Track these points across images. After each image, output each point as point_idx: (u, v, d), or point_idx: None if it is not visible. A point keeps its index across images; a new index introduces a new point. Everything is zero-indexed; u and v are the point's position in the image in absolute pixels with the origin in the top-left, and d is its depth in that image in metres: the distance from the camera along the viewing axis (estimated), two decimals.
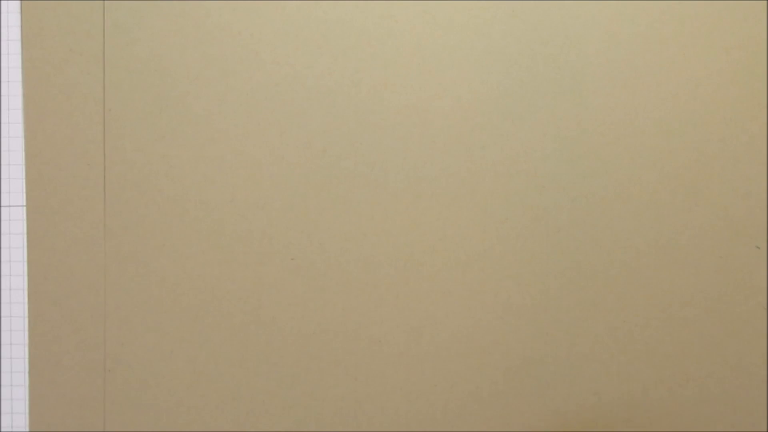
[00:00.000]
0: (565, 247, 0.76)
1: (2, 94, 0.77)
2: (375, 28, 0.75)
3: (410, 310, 0.77)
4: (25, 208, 0.77)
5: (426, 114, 0.75)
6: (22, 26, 0.75)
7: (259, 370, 0.77)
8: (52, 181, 0.76)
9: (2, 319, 0.78)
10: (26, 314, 0.78)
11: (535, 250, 0.76)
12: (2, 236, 0.78)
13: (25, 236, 0.77)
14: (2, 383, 0.79)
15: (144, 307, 0.77)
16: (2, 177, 0.77)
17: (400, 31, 0.75)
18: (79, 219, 0.76)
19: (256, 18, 0.75)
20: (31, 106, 0.75)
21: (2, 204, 0.78)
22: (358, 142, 0.76)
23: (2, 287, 0.78)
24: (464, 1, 0.75)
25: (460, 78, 0.75)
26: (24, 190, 0.77)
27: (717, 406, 0.77)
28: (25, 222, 0.77)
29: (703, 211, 0.76)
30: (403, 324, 0.77)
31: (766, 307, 0.77)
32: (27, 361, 0.78)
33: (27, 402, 0.78)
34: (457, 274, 0.76)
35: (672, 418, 0.77)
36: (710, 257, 0.76)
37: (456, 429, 0.77)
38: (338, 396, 0.77)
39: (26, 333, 0.78)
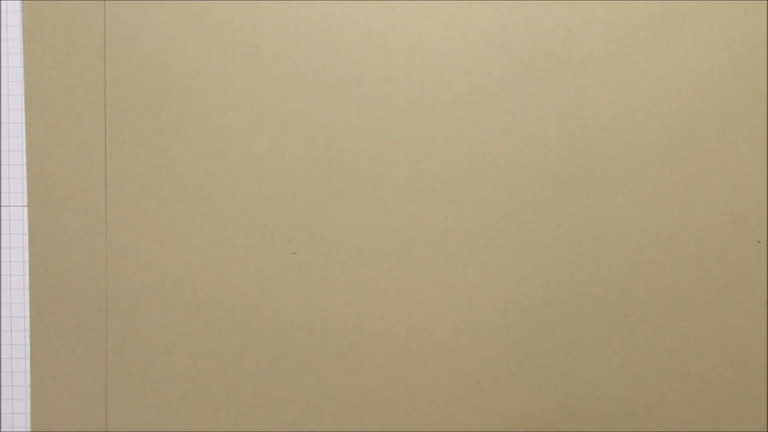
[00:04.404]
0: (566, 242, 0.77)
1: (2, 93, 0.77)
2: (377, 22, 0.75)
3: (412, 304, 0.77)
4: (26, 203, 0.77)
5: (428, 108, 0.76)
6: (23, 20, 0.75)
7: (261, 365, 0.77)
8: (53, 175, 0.76)
9: (2, 319, 0.78)
10: (26, 314, 0.78)
11: (536, 245, 0.77)
12: (2, 236, 0.78)
13: (27, 231, 0.77)
14: (2, 383, 0.78)
15: (145, 302, 0.77)
16: (2, 177, 0.77)
17: (402, 26, 0.75)
18: (80, 213, 0.76)
19: (257, 12, 0.75)
20: (33, 100, 0.76)
21: (2, 204, 0.77)
22: (360, 136, 0.76)
23: (2, 287, 0.78)
24: None
25: (462, 72, 0.76)
26: (24, 190, 0.77)
27: (717, 404, 0.77)
28: (26, 217, 0.77)
29: (704, 205, 0.76)
30: (404, 318, 0.77)
31: (766, 302, 0.77)
32: (27, 360, 0.78)
33: (28, 400, 0.78)
34: (458, 269, 0.76)
35: (672, 414, 0.77)
36: (711, 252, 0.77)
37: (458, 423, 0.77)
38: (340, 390, 0.77)
39: (26, 333, 0.78)
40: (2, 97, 0.77)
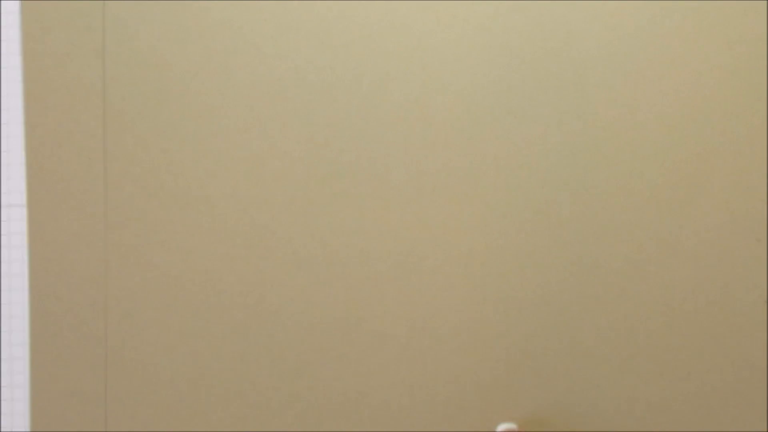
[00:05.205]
0: (566, 241, 0.77)
1: (2, 93, 0.77)
2: (377, 22, 0.75)
3: (412, 303, 0.77)
4: (25, 203, 0.77)
5: (428, 108, 0.76)
6: (22, 21, 0.75)
7: (261, 365, 0.77)
8: (52, 175, 0.76)
9: (2, 318, 0.78)
10: (26, 314, 0.78)
11: (536, 244, 0.77)
12: (2, 236, 0.78)
13: (26, 231, 0.77)
14: (2, 383, 0.78)
15: (145, 302, 0.77)
16: (2, 177, 0.77)
17: (402, 26, 0.75)
18: (80, 214, 0.76)
19: (257, 13, 0.75)
20: (32, 101, 0.75)
21: (2, 204, 0.77)
22: (359, 136, 0.76)
23: (2, 287, 0.78)
24: None
25: (462, 72, 0.76)
26: (23, 190, 0.77)
27: (717, 404, 0.77)
28: (26, 218, 0.77)
29: (704, 204, 0.76)
30: (405, 317, 0.77)
31: (766, 300, 0.77)
32: (28, 360, 0.78)
33: (28, 400, 0.78)
34: (458, 268, 0.76)
35: (672, 414, 0.77)
36: (711, 251, 0.77)
37: (458, 422, 0.77)
38: (340, 390, 0.77)
39: (26, 333, 0.78)
40: (2, 97, 0.77)
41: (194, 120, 0.75)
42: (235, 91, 0.75)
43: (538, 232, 0.76)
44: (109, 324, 0.77)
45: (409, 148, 0.76)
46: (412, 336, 0.77)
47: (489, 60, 0.75)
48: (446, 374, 0.77)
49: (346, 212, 0.76)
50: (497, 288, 0.77)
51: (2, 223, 0.78)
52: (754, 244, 0.77)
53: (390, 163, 0.76)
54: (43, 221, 0.76)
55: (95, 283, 0.77)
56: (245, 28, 0.75)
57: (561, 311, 0.77)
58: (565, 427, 0.77)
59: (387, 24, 0.75)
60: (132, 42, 0.75)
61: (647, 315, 0.77)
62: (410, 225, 0.76)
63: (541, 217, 0.76)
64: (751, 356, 0.77)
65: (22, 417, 0.79)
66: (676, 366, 0.77)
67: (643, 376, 0.77)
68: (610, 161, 0.76)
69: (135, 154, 0.76)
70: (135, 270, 0.76)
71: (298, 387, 0.77)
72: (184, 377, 0.77)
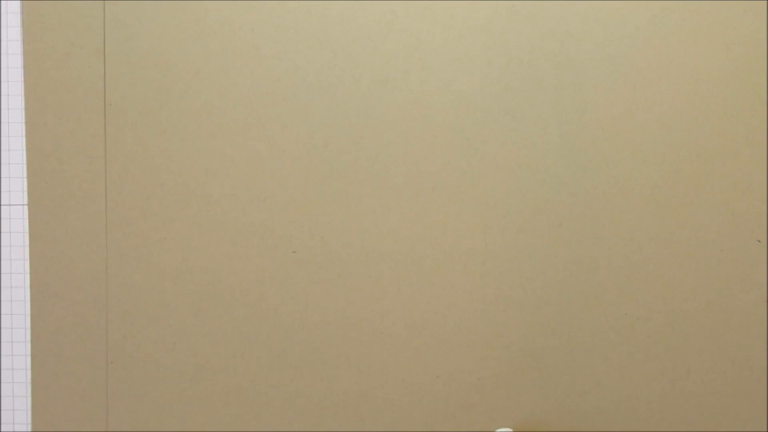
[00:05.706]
0: (565, 241, 0.76)
1: (2, 93, 0.77)
2: (376, 23, 0.75)
3: (412, 303, 0.77)
4: (26, 202, 0.77)
5: (427, 108, 0.76)
6: (23, 20, 0.75)
7: (261, 363, 0.77)
8: (53, 174, 0.76)
9: (3, 316, 0.78)
10: (27, 312, 0.78)
11: (535, 244, 0.77)
12: (3, 234, 0.78)
13: (27, 230, 0.77)
14: (3, 380, 0.79)
15: (145, 301, 0.77)
16: (2, 176, 0.77)
17: (400, 26, 0.75)
18: (80, 213, 0.76)
19: (256, 13, 0.75)
20: (33, 100, 0.76)
21: (2, 203, 0.78)
22: (359, 136, 0.76)
23: (3, 285, 0.78)
24: None
25: (461, 73, 0.75)
26: (24, 189, 0.77)
27: (717, 403, 0.77)
28: (26, 217, 0.77)
29: (704, 205, 0.76)
30: (404, 317, 0.77)
31: (766, 301, 0.77)
32: (28, 357, 0.78)
33: (29, 397, 0.78)
34: (458, 268, 0.76)
35: (672, 413, 0.77)
36: (711, 251, 0.77)
37: (458, 422, 0.77)
38: (340, 389, 0.77)
39: (27, 330, 0.78)
40: (2, 96, 0.77)
41: (194, 120, 0.76)
42: (235, 90, 0.75)
43: (538, 232, 0.76)
44: (109, 322, 0.77)
45: (409, 148, 0.76)
46: (412, 336, 0.77)
47: (488, 60, 0.75)
48: (446, 374, 0.77)
49: (346, 212, 0.76)
50: (497, 288, 0.77)
51: (2, 222, 0.78)
52: (754, 244, 0.76)
53: (390, 163, 0.76)
54: (43, 220, 0.76)
55: (96, 282, 0.77)
56: (245, 28, 0.75)
57: (561, 311, 0.77)
58: (565, 427, 0.77)
59: (387, 24, 0.75)
60: (132, 42, 0.75)
61: (647, 315, 0.77)
62: (410, 225, 0.76)
63: (541, 217, 0.76)
64: (751, 356, 0.77)
65: (24, 414, 0.79)
66: (676, 365, 0.77)
67: (643, 376, 0.77)
68: (610, 161, 0.76)
69: (135, 153, 0.76)
70: (135, 268, 0.77)
71: (298, 386, 0.77)
72: (185, 375, 0.77)
